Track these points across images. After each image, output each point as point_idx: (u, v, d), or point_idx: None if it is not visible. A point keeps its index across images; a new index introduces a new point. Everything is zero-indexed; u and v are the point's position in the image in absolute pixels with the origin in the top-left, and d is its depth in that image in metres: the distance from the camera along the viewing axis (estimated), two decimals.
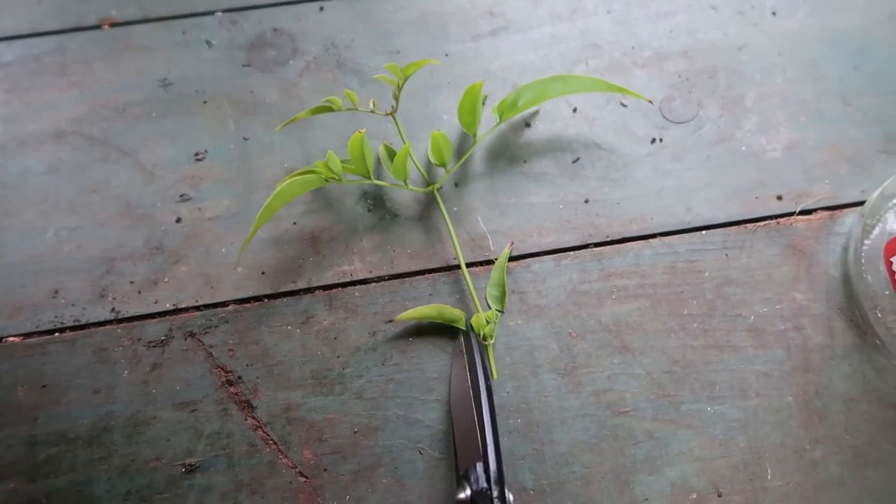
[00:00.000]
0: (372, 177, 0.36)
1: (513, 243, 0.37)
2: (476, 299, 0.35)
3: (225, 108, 0.41)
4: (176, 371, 0.35)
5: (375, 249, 0.37)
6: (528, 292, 0.36)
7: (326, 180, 0.35)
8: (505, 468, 0.33)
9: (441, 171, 0.39)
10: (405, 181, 0.36)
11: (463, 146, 0.40)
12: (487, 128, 0.39)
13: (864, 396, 0.34)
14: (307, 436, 0.34)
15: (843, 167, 0.39)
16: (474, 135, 0.38)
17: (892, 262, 0.33)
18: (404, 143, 0.36)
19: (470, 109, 0.36)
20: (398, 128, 0.37)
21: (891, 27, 0.43)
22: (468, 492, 0.29)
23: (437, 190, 0.38)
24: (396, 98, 0.35)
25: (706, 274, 0.37)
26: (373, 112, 0.36)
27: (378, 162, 0.39)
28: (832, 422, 0.34)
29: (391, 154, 0.38)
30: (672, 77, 0.42)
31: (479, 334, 0.34)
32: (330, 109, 0.36)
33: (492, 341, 0.34)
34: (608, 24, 0.43)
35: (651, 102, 0.41)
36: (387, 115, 0.37)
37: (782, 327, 0.36)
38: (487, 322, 0.34)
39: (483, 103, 0.40)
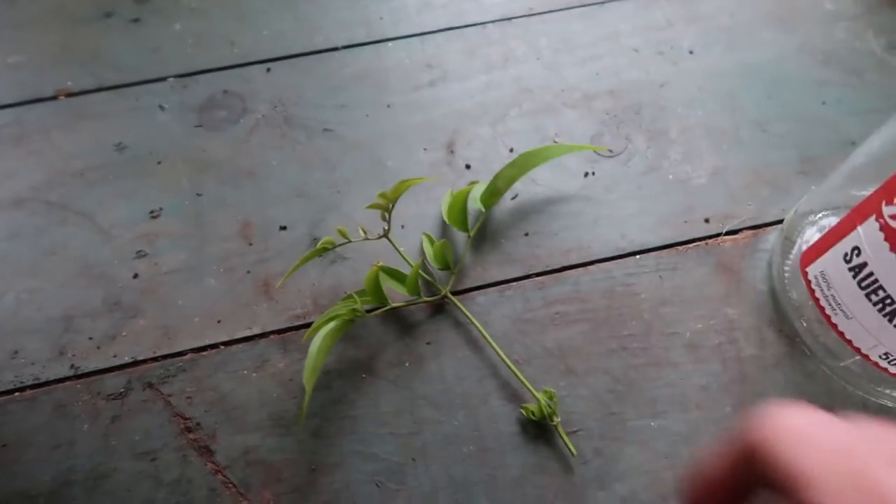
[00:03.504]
0: (389, 302, 0.37)
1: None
2: (527, 384, 0.35)
3: (179, 167, 0.43)
4: (135, 422, 0.36)
5: (328, 291, 0.39)
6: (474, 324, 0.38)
7: (353, 321, 0.35)
8: (459, 495, 0.34)
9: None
10: (419, 295, 0.37)
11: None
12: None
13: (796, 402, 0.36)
14: (266, 476, 0.34)
15: (764, 189, 0.42)
16: (467, 231, 0.39)
17: (807, 272, 0.35)
18: (409, 263, 0.38)
19: (460, 210, 0.38)
20: (396, 249, 0.38)
21: (799, 59, 0.47)
22: None
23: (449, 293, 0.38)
24: (387, 221, 0.36)
25: (643, 296, 0.39)
26: (365, 239, 0.37)
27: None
28: None
29: (393, 275, 0.38)
30: (601, 115, 0.45)
31: (546, 417, 0.34)
32: (325, 250, 0.36)
33: (558, 420, 0.35)
34: (539, 70, 0.46)
35: (611, 151, 0.43)
36: (379, 238, 0.37)
37: (717, 342, 0.37)
38: (551, 399, 0.35)
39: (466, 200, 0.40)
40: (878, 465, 0.18)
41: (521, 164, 0.39)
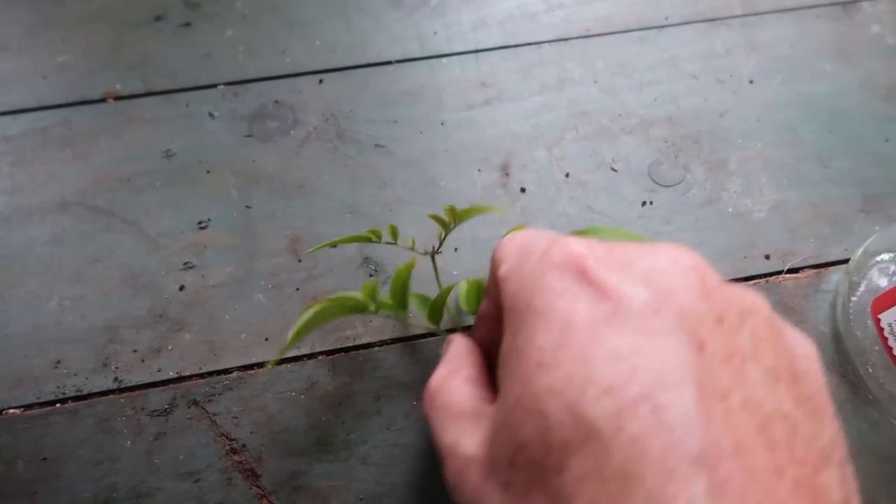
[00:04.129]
0: (408, 316, 0.35)
1: None
2: None
3: (228, 178, 0.42)
4: (179, 440, 0.35)
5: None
6: None
7: (364, 310, 0.32)
8: None
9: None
10: (438, 325, 0.35)
11: None
12: None
13: (860, 452, 0.35)
14: None
15: (825, 226, 0.41)
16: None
17: (879, 319, 0.34)
18: (440, 287, 0.35)
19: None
20: (435, 271, 0.36)
21: (860, 94, 0.46)
22: None
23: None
24: (441, 240, 0.35)
25: None
26: (412, 249, 0.36)
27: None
28: None
29: (424, 298, 0.36)
30: (658, 142, 0.44)
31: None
32: (368, 240, 0.34)
33: None
34: (595, 93, 0.45)
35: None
36: (426, 254, 0.36)
37: None
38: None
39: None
40: (546, 240, 0.24)
41: None
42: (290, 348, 0.30)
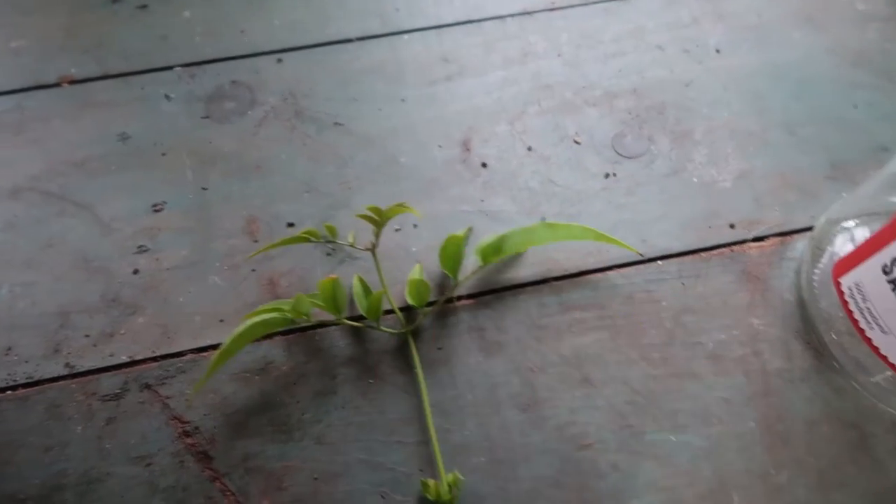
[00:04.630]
0: (343, 318, 0.34)
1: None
2: (440, 462, 0.33)
3: (184, 160, 0.41)
4: (131, 424, 0.34)
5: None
6: (487, 329, 0.36)
7: (293, 321, 0.33)
8: None
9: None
10: (377, 322, 0.35)
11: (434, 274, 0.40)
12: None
13: (825, 418, 0.34)
14: (266, 485, 0.33)
15: (791, 194, 0.40)
16: (454, 276, 0.36)
17: (840, 283, 0.33)
18: (382, 283, 0.35)
19: (452, 256, 0.35)
20: (377, 267, 0.36)
21: (828, 60, 0.45)
22: None
23: (411, 333, 0.36)
24: (377, 236, 0.34)
25: (664, 303, 0.37)
26: (352, 246, 0.35)
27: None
28: (795, 445, 0.34)
29: (366, 290, 0.36)
30: (622, 114, 0.43)
31: (439, 502, 0.31)
32: (306, 240, 0.34)
33: None
34: (559, 66, 0.45)
35: (641, 255, 0.39)
36: (366, 250, 0.36)
37: (741, 353, 0.36)
38: (451, 488, 0.31)
39: (466, 245, 0.38)
40: None
41: (537, 234, 0.36)
42: (211, 376, 0.32)
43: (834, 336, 0.35)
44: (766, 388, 0.35)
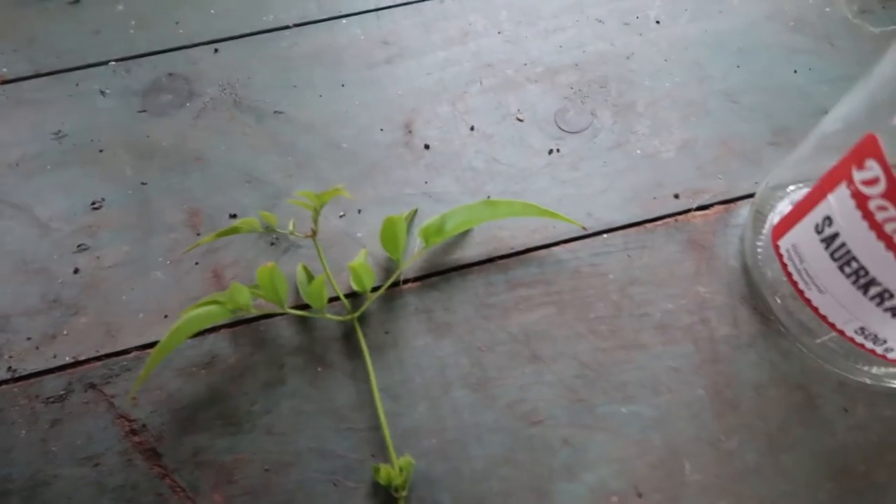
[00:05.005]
0: (285, 306, 0.33)
1: None
2: (391, 448, 0.32)
3: (121, 155, 0.41)
4: (76, 425, 0.34)
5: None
6: (435, 310, 0.36)
7: (232, 311, 0.32)
8: (421, 491, 0.32)
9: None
10: (322, 308, 0.34)
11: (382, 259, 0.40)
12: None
13: (772, 382, 0.35)
14: (217, 479, 0.32)
15: (734, 162, 0.40)
16: (398, 259, 0.36)
17: (778, 246, 0.33)
18: (324, 268, 0.35)
19: (392, 238, 0.35)
20: (319, 253, 0.35)
21: (768, 27, 0.45)
22: None
23: (357, 319, 0.36)
24: (315, 221, 0.33)
25: (610, 276, 0.37)
26: (292, 234, 0.35)
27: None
28: (744, 410, 0.34)
29: (310, 278, 0.36)
30: (565, 89, 0.43)
31: (391, 487, 0.31)
32: (244, 230, 0.34)
33: (404, 493, 0.31)
34: (499, 44, 0.44)
35: (585, 229, 0.38)
36: (306, 237, 0.35)
37: (688, 321, 0.36)
38: (402, 471, 0.31)
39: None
40: None
41: (480, 212, 0.36)
42: (150, 372, 0.31)
43: (778, 300, 0.35)
44: (714, 356, 0.35)
